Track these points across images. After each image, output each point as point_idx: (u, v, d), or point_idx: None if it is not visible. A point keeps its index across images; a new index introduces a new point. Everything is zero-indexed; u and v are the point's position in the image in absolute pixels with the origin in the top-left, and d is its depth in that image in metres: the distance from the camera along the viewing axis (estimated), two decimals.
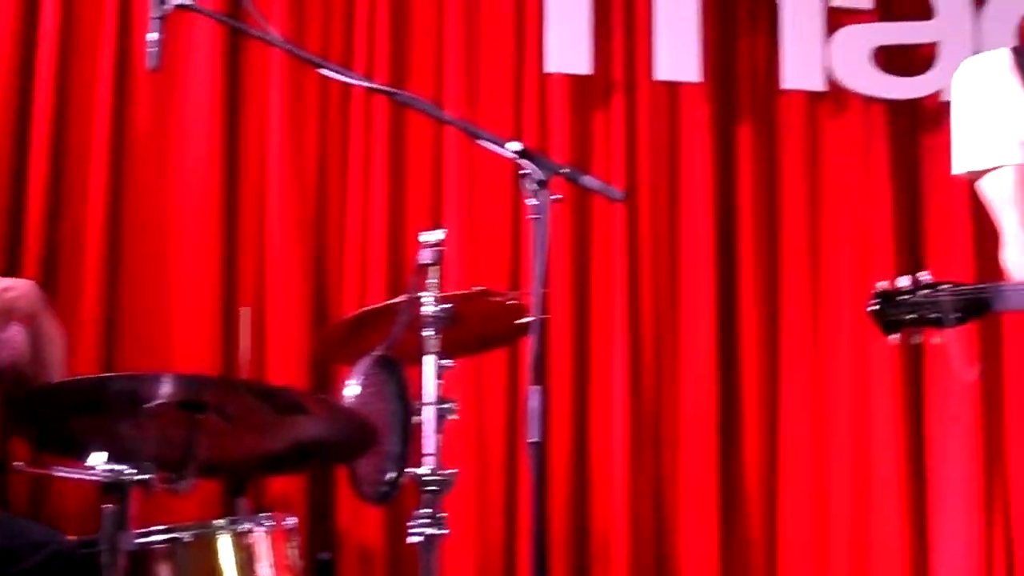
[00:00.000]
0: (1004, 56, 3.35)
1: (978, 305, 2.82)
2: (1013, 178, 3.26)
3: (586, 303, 5.62)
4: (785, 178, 5.86)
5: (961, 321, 2.80)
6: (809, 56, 5.86)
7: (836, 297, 5.77)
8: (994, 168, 3.29)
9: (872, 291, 2.85)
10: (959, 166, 3.35)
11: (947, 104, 5.60)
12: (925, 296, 2.81)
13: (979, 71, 3.36)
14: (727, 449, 5.65)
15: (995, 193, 3.28)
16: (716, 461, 5.59)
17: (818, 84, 5.86)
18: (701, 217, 5.73)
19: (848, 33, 5.90)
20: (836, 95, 5.90)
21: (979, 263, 5.69)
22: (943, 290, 2.81)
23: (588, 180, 3.50)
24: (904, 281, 2.83)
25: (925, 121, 5.93)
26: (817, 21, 5.87)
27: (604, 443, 5.50)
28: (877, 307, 2.84)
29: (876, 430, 5.71)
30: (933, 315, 2.80)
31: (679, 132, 5.80)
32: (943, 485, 5.73)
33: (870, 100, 5.92)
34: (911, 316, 2.81)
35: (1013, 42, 5.79)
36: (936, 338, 2.81)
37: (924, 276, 2.84)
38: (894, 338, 2.84)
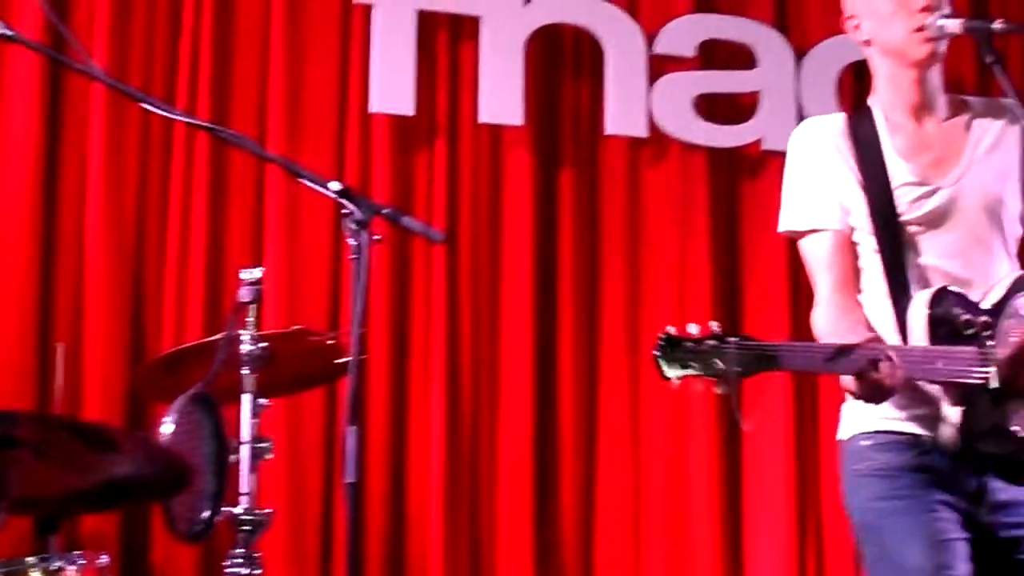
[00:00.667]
0: (839, 121, 3.41)
1: (761, 362, 2.86)
2: (830, 242, 3.32)
3: (405, 344, 5.61)
4: (606, 222, 5.92)
5: (743, 376, 2.83)
6: (632, 102, 5.92)
7: (654, 341, 5.79)
8: (814, 231, 3.35)
9: (659, 335, 2.87)
10: (783, 224, 3.41)
11: (767, 153, 5.81)
12: (710, 347, 2.83)
13: (813, 133, 3.41)
14: (543, 489, 5.67)
15: (812, 255, 3.34)
16: (532, 502, 5.61)
17: (640, 130, 5.92)
18: (521, 260, 5.76)
19: (670, 80, 5.98)
20: (657, 141, 5.97)
21: (793, 311, 5.79)
22: (730, 343, 2.83)
23: (409, 221, 3.49)
24: (693, 329, 2.85)
25: (745, 169, 6.03)
26: (640, 68, 5.93)
27: (421, 484, 5.49)
28: (660, 352, 2.85)
29: (692, 471, 5.79)
30: (716, 367, 2.82)
31: (501, 175, 5.83)
32: (758, 517, 5.84)
33: (691, 147, 6.00)
34: (693, 365, 2.83)
35: (833, 94, 5.96)
36: (718, 389, 2.84)
37: (714, 326, 2.87)
38: (674, 383, 2.87)
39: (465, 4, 5.82)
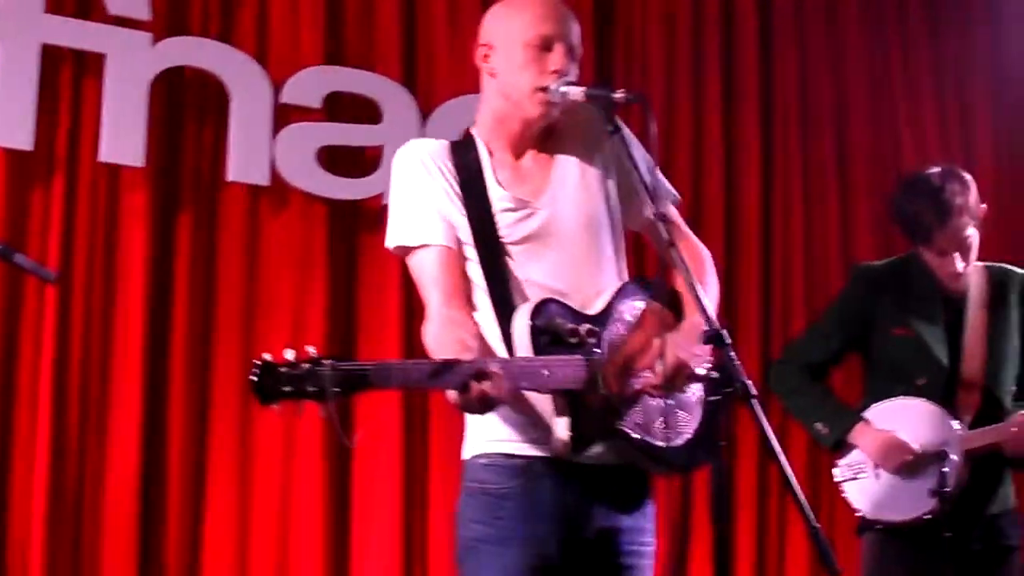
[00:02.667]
0: (443, 146, 3.49)
1: (357, 382, 2.90)
2: (439, 258, 3.36)
3: (11, 384, 5.48)
4: (223, 268, 5.90)
5: (340, 396, 2.87)
6: (256, 150, 5.92)
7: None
8: (423, 246, 3.39)
9: (254, 361, 2.88)
10: (391, 240, 3.44)
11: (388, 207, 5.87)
12: (306, 371, 2.86)
13: (418, 153, 3.46)
14: (149, 528, 5.63)
15: (422, 270, 3.39)
16: (137, 542, 5.57)
17: (263, 178, 5.92)
18: (134, 303, 5.68)
19: (295, 130, 6.00)
20: (279, 191, 5.98)
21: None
22: (325, 365, 2.87)
23: (21, 259, 3.40)
24: (289, 354, 2.88)
25: (365, 222, 6.09)
26: (266, 116, 5.94)
27: (22, 529, 5.38)
28: (256, 378, 2.87)
29: (300, 497, 5.84)
30: (312, 389, 2.86)
31: (118, 215, 5.74)
32: (366, 535, 5.93)
33: (312, 198, 6.03)
34: (289, 389, 2.85)
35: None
36: (323, 411, 2.87)
37: (310, 350, 2.90)
38: (275, 408, 2.89)
39: (91, 41, 5.72)
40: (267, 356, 2.89)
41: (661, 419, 3.34)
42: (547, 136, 3.49)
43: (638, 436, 3.30)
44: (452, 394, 3.06)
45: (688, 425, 3.39)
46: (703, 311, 3.08)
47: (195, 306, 5.82)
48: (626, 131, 3.39)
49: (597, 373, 3.25)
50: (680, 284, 3.34)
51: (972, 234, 4.67)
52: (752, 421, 2.96)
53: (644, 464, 3.39)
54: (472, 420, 3.41)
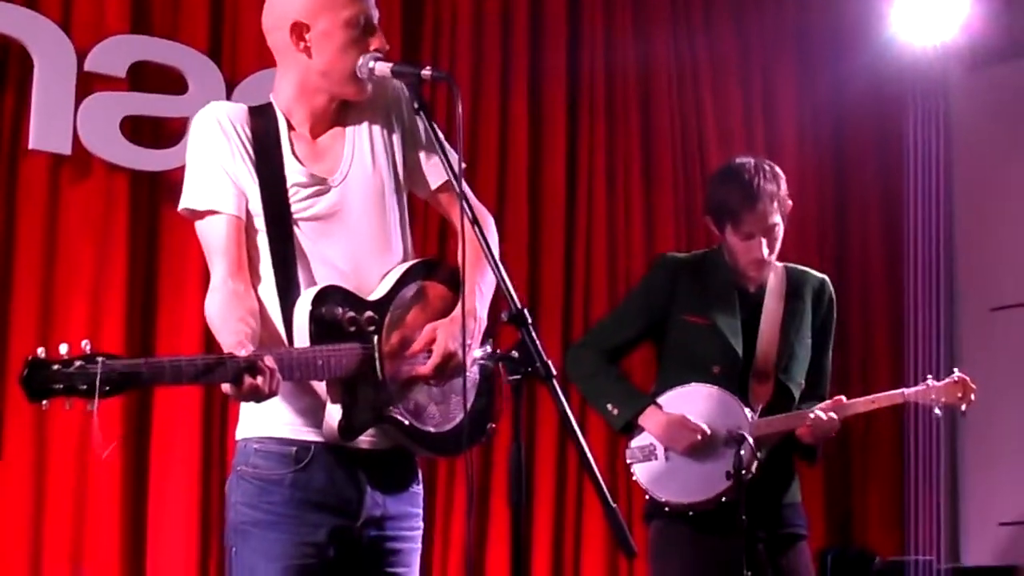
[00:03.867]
0: (242, 111, 3.46)
1: (129, 379, 2.89)
2: (226, 227, 3.35)
3: None
4: (22, 238, 5.80)
5: (111, 393, 2.86)
6: (58, 118, 5.81)
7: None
8: (212, 212, 3.37)
9: (25, 358, 2.85)
10: (182, 203, 3.42)
11: None
12: (77, 368, 2.84)
13: (217, 114, 3.44)
14: None
15: (209, 238, 3.37)
16: None
17: (64, 147, 5.82)
18: None
19: (99, 99, 5.91)
20: (81, 160, 5.88)
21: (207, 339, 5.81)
22: (96, 362, 2.85)
23: None
24: (63, 349, 2.85)
25: (168, 193, 5.97)
26: (69, 84, 5.83)
27: None
28: (27, 376, 2.83)
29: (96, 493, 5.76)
30: (82, 386, 2.83)
31: None
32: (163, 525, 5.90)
33: (115, 168, 5.94)
34: (60, 386, 2.83)
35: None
36: (89, 407, 2.83)
37: (85, 345, 2.87)
38: (44, 406, 2.86)
39: None
40: (41, 352, 2.85)
41: (433, 404, 3.43)
42: (345, 108, 3.51)
43: (408, 422, 3.37)
44: (226, 387, 3.06)
45: (459, 410, 3.45)
46: (484, 295, 3.22)
47: None
48: (424, 107, 3.41)
49: (372, 359, 3.32)
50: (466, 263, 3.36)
51: (778, 223, 4.75)
52: (552, 402, 3.01)
53: (413, 449, 3.46)
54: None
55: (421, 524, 3.54)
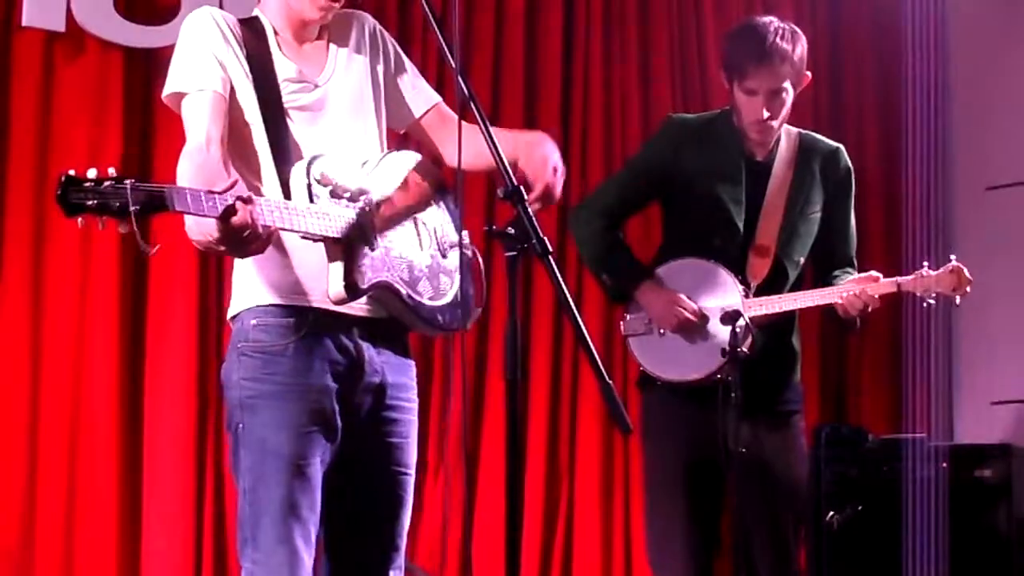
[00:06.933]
0: (232, 18, 3.57)
1: (155, 201, 2.95)
2: (211, 102, 3.43)
3: None
4: (16, 115, 5.77)
5: (141, 214, 2.92)
6: None
7: (62, 248, 5.78)
8: (198, 91, 3.45)
9: (59, 176, 2.90)
10: (167, 87, 3.52)
11: None
12: (109, 187, 2.91)
13: (211, 14, 3.55)
14: None
15: (192, 112, 3.45)
16: None
17: (58, 24, 5.78)
18: None
19: None
20: (75, 37, 5.84)
21: None
22: (125, 184, 2.92)
23: None
24: (92, 173, 2.91)
25: (162, 71, 5.90)
26: None
27: None
28: (61, 192, 2.90)
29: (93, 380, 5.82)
30: (116, 203, 2.90)
31: None
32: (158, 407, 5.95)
33: (108, 45, 5.91)
34: (94, 202, 2.90)
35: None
36: (122, 227, 2.91)
37: (111, 171, 2.94)
38: (80, 221, 2.93)
39: None
40: (72, 172, 2.93)
41: (426, 280, 3.55)
42: (329, 29, 3.67)
43: (404, 291, 3.48)
44: (211, 231, 3.09)
45: (448, 288, 3.61)
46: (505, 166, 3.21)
47: None
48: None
49: (368, 225, 3.43)
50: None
51: (786, 88, 4.65)
52: (548, 278, 3.03)
53: (407, 318, 3.56)
54: (240, 274, 3.52)
55: (416, 399, 3.63)
